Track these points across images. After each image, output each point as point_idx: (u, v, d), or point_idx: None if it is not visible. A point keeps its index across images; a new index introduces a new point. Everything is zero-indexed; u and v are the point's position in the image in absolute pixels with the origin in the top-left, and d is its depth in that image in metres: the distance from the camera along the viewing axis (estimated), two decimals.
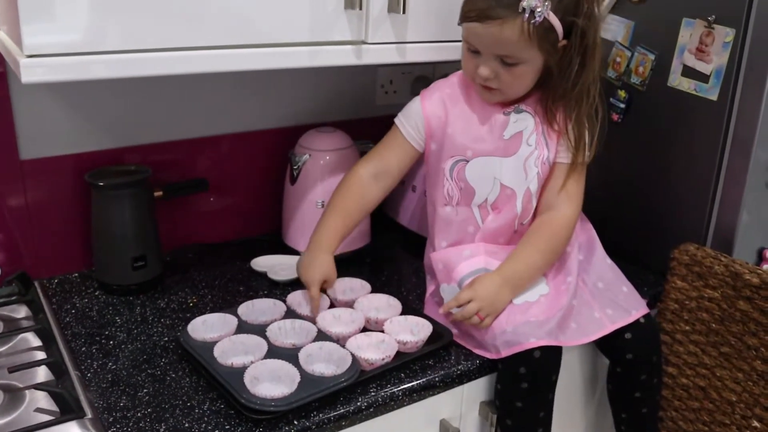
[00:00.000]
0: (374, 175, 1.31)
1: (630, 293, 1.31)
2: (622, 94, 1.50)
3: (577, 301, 1.25)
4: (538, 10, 1.12)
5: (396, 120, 1.33)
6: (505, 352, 1.16)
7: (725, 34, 1.32)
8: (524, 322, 1.18)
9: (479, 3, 1.15)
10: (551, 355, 1.17)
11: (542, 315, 1.20)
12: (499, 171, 1.27)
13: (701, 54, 1.36)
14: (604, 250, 1.36)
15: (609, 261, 1.35)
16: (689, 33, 1.37)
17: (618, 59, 1.50)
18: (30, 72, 0.98)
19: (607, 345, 1.29)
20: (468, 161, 1.28)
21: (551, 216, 1.28)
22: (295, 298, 1.28)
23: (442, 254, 1.31)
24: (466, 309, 1.18)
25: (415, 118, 1.30)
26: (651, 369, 1.30)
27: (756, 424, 1.30)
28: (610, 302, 1.27)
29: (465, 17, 1.18)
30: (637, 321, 1.26)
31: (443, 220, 1.32)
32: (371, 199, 1.33)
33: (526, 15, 1.12)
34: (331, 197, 1.32)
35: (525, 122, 1.27)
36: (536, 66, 1.20)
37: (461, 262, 1.27)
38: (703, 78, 1.36)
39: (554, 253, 1.27)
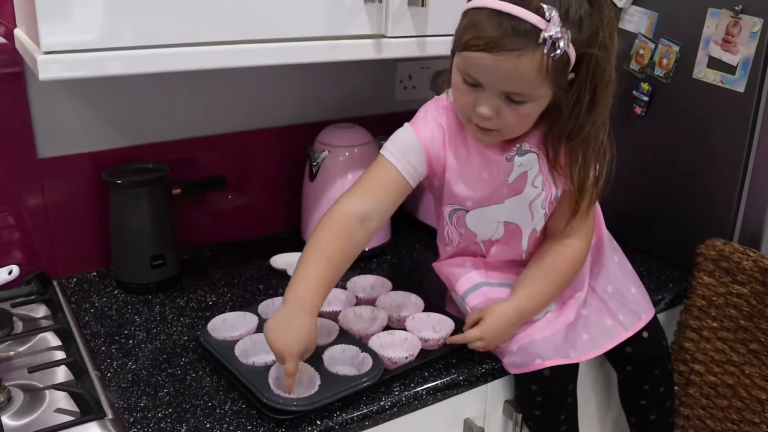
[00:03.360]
0: (363, 217, 1.09)
1: (638, 293, 1.26)
2: (645, 86, 1.48)
3: (587, 311, 1.21)
4: (561, 41, 0.95)
5: (386, 153, 1.12)
6: (513, 371, 1.15)
7: (752, 23, 1.29)
8: (530, 341, 1.14)
9: (488, 29, 0.96)
10: (563, 371, 1.13)
11: (547, 330, 1.15)
12: (502, 214, 1.16)
13: (727, 45, 1.33)
14: (611, 243, 1.29)
15: (617, 258, 1.29)
16: (715, 23, 1.34)
17: (641, 51, 1.48)
18: (47, 68, 0.98)
19: (609, 354, 1.24)
20: (468, 211, 1.16)
21: (567, 247, 1.18)
22: None
23: (444, 266, 1.26)
24: (472, 345, 1.14)
25: (415, 155, 1.12)
26: (654, 380, 1.27)
27: None
28: (621, 307, 1.23)
29: (469, 46, 0.99)
30: (639, 335, 1.22)
31: (443, 251, 1.27)
32: (357, 245, 1.10)
33: (547, 47, 0.95)
34: (312, 237, 1.08)
35: (530, 163, 1.12)
36: (544, 104, 1.04)
37: (462, 276, 1.22)
38: (729, 69, 1.33)
39: (568, 284, 1.20)
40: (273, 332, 1.00)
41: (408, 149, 1.12)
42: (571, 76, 1.02)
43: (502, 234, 1.19)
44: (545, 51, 0.95)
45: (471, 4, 1.00)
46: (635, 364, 1.26)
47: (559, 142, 1.09)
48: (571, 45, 0.97)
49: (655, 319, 1.26)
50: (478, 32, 0.97)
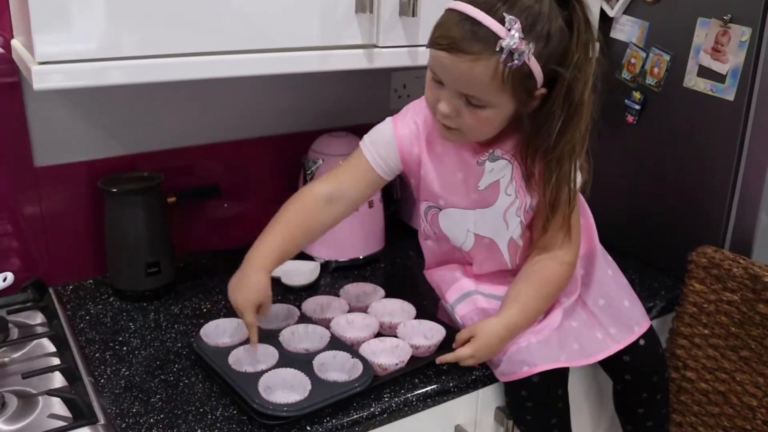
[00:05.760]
0: (329, 197, 1.16)
1: (632, 306, 1.26)
2: (637, 95, 1.49)
3: (577, 323, 1.21)
4: (519, 52, 0.96)
5: (362, 145, 1.19)
6: (502, 379, 1.16)
7: (741, 33, 1.30)
8: (516, 349, 1.14)
9: (452, 30, 0.99)
10: (552, 377, 1.14)
11: (533, 337, 1.15)
12: (473, 223, 1.18)
13: (717, 54, 1.34)
14: (605, 257, 1.29)
15: (610, 272, 1.28)
16: (705, 33, 1.36)
17: (633, 60, 1.49)
18: (41, 78, 0.99)
19: (606, 363, 1.25)
20: (441, 209, 1.19)
21: (555, 260, 1.18)
22: (310, 304, 1.28)
23: (435, 274, 1.28)
24: (463, 363, 1.14)
25: (387, 149, 1.17)
26: (652, 388, 1.27)
27: None
28: (613, 320, 1.23)
29: (434, 43, 1.02)
30: (636, 343, 1.23)
31: (428, 248, 1.29)
32: (320, 223, 1.18)
33: (503, 56, 0.96)
34: (280, 210, 1.18)
35: (502, 171, 1.13)
36: (505, 112, 1.04)
37: (452, 284, 1.24)
38: (719, 78, 1.35)
39: (557, 296, 1.20)
40: (232, 289, 1.12)
41: (381, 142, 1.17)
42: (543, 91, 1.03)
43: (473, 243, 1.20)
44: (502, 59, 0.97)
45: (449, 4, 1.03)
46: (633, 373, 1.26)
47: (534, 157, 1.10)
48: (533, 58, 0.98)
49: (650, 328, 1.26)
50: (444, 32, 1.01)
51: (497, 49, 0.96)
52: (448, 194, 1.17)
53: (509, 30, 0.96)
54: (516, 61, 0.97)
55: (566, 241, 1.17)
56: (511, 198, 1.15)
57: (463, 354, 1.13)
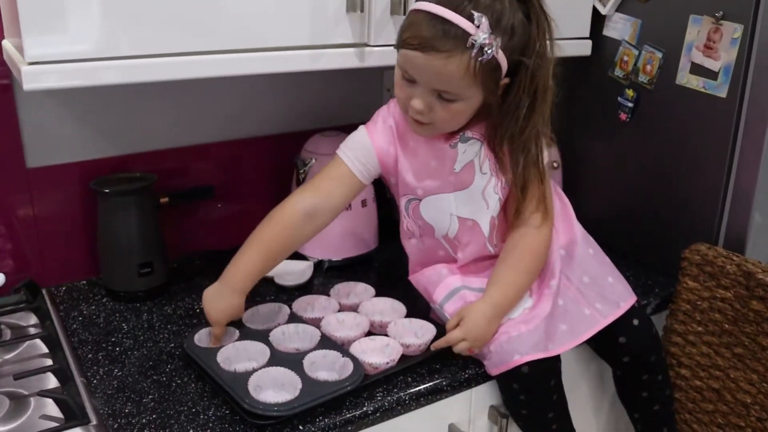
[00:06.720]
0: (311, 213, 1.18)
1: (616, 283, 1.27)
2: (630, 93, 1.49)
3: (564, 300, 1.22)
4: (488, 47, 1.02)
5: (340, 153, 1.21)
6: (494, 371, 1.16)
7: (733, 29, 1.30)
8: (507, 338, 1.15)
9: (423, 30, 1.03)
10: (542, 366, 1.14)
11: (524, 326, 1.16)
12: (454, 206, 1.21)
13: (709, 51, 1.34)
14: (585, 237, 1.30)
15: (591, 251, 1.29)
16: (697, 30, 1.35)
17: (625, 58, 1.49)
18: (31, 79, 0.99)
19: (603, 349, 1.27)
20: (420, 200, 1.22)
21: (527, 236, 1.20)
22: (300, 303, 1.28)
23: (420, 277, 1.28)
24: (457, 348, 1.15)
25: (365, 153, 1.20)
26: (652, 368, 1.28)
27: None
28: (598, 296, 1.24)
29: (405, 44, 1.06)
30: (630, 323, 1.24)
31: (411, 248, 1.30)
32: (300, 240, 1.20)
33: (474, 51, 1.02)
34: (261, 226, 1.19)
35: (474, 150, 1.18)
36: (474, 104, 1.10)
37: (439, 283, 1.24)
38: (711, 75, 1.35)
39: (537, 271, 1.22)
40: (208, 303, 1.17)
41: (359, 148, 1.21)
42: (506, 81, 1.09)
43: (458, 228, 1.22)
44: (473, 55, 1.02)
45: (414, 5, 1.07)
46: (631, 354, 1.26)
47: (501, 143, 1.15)
48: (500, 51, 1.04)
49: (640, 306, 1.27)
50: (414, 32, 1.05)
51: (468, 46, 1.02)
52: (425, 182, 1.20)
53: (478, 27, 1.02)
54: (486, 56, 1.03)
55: (535, 215, 1.20)
56: (487, 176, 1.19)
57: (454, 337, 1.15)
